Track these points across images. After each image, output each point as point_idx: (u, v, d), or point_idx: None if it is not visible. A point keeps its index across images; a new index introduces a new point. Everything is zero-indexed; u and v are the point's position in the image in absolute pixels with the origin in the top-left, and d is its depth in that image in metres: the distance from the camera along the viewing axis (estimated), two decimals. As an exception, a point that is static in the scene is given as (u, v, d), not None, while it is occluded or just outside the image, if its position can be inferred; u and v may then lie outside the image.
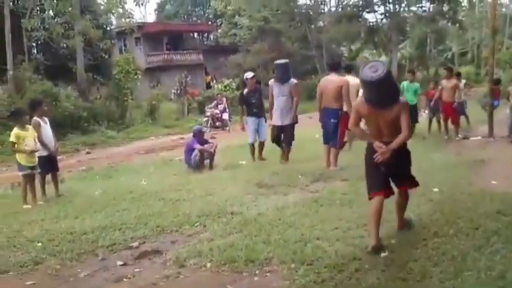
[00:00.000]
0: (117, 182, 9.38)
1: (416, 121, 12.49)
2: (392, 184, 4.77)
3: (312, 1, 38.72)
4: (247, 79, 10.19)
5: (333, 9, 39.62)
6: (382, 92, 4.43)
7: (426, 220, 5.27)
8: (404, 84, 12.61)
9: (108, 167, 12.03)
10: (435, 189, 6.53)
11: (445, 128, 12.64)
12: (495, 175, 7.52)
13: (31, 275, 4.69)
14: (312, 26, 38.17)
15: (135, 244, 5.23)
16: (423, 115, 14.04)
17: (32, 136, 8.05)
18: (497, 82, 13.12)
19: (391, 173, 4.65)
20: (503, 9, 45.05)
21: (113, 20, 31.07)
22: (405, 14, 39.07)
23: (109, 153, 15.69)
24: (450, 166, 8.17)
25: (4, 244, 5.63)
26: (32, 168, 8.09)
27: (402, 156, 4.66)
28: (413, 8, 38.85)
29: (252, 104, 10.02)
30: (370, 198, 4.65)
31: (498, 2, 40.52)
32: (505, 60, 33.79)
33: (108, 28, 31.20)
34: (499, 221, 5.07)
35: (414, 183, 4.90)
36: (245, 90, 10.20)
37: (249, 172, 8.63)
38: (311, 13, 38.17)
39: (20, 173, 8.15)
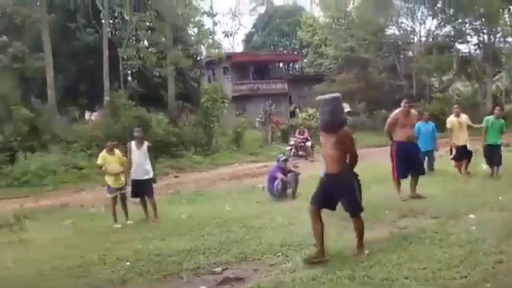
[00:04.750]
0: (202, 206, 9.60)
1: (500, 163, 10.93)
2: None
3: (401, 31, 37.98)
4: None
5: (423, 39, 38.57)
6: None
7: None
8: (489, 119, 10.90)
9: (194, 191, 12.37)
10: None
11: None
12: None
13: (119, 293, 4.87)
14: (401, 56, 37.36)
15: (218, 269, 5.28)
16: None
17: (118, 161, 8.58)
18: None
19: None
20: None
21: (203, 50, 32.43)
22: (501, 45, 37.15)
23: (195, 178, 16.15)
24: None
25: (96, 261, 5.93)
26: (120, 189, 8.59)
27: None
28: (509, 39, 36.87)
29: None
30: None
31: None
32: None
33: (198, 58, 32.54)
34: None
35: None
36: None
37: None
38: (399, 43, 37.43)
39: (108, 195, 8.70)
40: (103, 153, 8.77)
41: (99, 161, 8.78)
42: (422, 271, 4.80)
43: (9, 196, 14.23)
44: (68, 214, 10.40)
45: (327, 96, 5.55)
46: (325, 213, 7.49)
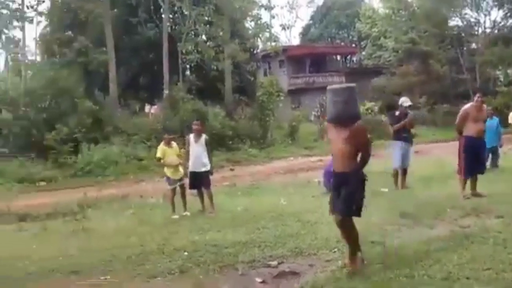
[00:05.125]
0: (257, 199, 9.65)
1: None
2: None
3: (465, 23, 36.51)
4: (401, 105, 9.79)
5: (488, 30, 36.92)
6: None
7: None
8: None
9: (250, 184, 12.47)
10: None
11: None
12: None
13: (177, 282, 4.99)
14: (464, 48, 35.95)
15: (274, 263, 5.29)
16: None
17: (175, 153, 8.79)
18: None
19: None
20: None
21: (260, 43, 32.54)
22: None
23: (250, 171, 16.27)
24: None
25: (155, 250, 6.11)
26: (179, 180, 8.81)
27: None
28: None
29: (401, 128, 9.68)
30: None
31: None
32: None
33: (255, 52, 32.66)
34: None
35: None
36: (397, 112, 9.87)
37: (392, 201, 8.27)
38: (463, 34, 36.02)
39: (168, 187, 8.94)
40: (162, 146, 9.00)
41: (158, 153, 9.02)
42: (484, 271, 4.60)
43: (73, 186, 14.91)
44: (128, 204, 10.75)
45: (339, 85, 5.02)
46: (383, 209, 7.40)
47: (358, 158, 4.80)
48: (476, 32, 37.24)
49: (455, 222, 6.62)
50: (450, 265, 4.79)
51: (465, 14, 36.31)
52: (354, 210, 4.79)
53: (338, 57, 44.11)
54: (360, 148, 4.76)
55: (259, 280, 4.85)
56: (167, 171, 8.97)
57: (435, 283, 4.33)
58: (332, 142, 4.96)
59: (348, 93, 4.79)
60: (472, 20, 36.57)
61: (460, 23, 36.73)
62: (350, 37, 51.13)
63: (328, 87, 4.95)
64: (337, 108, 4.75)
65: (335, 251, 5.53)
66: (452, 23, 37.02)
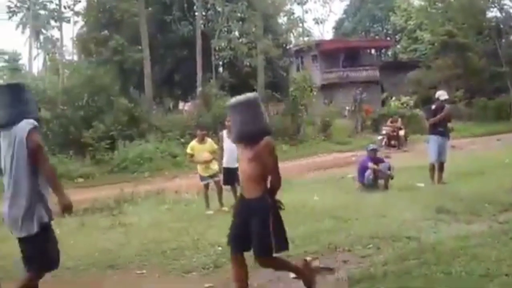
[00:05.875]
0: (290, 196, 9.53)
1: None
2: None
3: (504, 14, 35.37)
4: (438, 99, 9.63)
5: (528, 21, 35.67)
6: None
7: None
8: None
9: (283, 180, 12.42)
10: None
11: None
12: None
13: (211, 277, 5.04)
14: (503, 40, 34.86)
15: (308, 259, 5.25)
16: None
17: (207, 149, 8.84)
18: None
19: None
20: None
21: (292, 39, 32.41)
22: None
23: (283, 167, 15.94)
24: None
25: (190, 245, 6.17)
26: (212, 176, 8.86)
27: None
28: None
29: (437, 122, 9.51)
30: None
31: None
32: None
33: (287, 47, 32.56)
34: None
35: None
36: (433, 106, 9.71)
37: (428, 196, 8.13)
38: (501, 26, 34.92)
39: (201, 182, 9.03)
40: (192, 143, 9.12)
41: (188, 150, 9.17)
42: (524, 268, 4.48)
43: (110, 182, 15.20)
44: (164, 199, 10.89)
45: (236, 100, 4.16)
46: (419, 204, 7.28)
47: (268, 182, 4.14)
48: (515, 23, 36.04)
49: (493, 218, 6.50)
50: (488, 262, 4.68)
51: (504, 5, 35.16)
52: (267, 249, 4.06)
53: (373, 51, 43.45)
54: (268, 170, 4.08)
55: (293, 275, 4.85)
56: (198, 168, 9.06)
57: (473, 280, 4.24)
58: (239, 163, 4.31)
59: (244, 109, 4.03)
60: (512, 11, 35.41)
61: (498, 14, 35.63)
62: (385, 31, 50.34)
63: (227, 103, 4.38)
64: (236, 127, 4.10)
65: (369, 247, 5.49)
66: (490, 14, 35.96)
